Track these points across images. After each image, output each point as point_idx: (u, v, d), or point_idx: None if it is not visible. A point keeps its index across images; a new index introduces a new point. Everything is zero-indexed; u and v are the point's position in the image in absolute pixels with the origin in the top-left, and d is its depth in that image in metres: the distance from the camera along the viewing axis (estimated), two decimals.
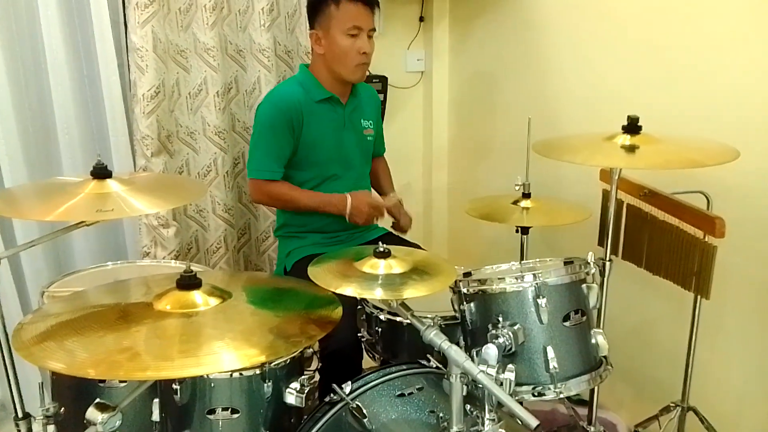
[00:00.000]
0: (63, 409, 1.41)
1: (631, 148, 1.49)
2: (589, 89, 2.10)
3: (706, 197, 1.63)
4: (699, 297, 1.67)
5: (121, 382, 1.34)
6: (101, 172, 1.29)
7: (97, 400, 1.03)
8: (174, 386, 1.24)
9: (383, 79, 2.66)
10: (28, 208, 1.38)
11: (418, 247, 1.90)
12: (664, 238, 1.67)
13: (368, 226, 2.06)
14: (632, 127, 1.51)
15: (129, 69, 2.10)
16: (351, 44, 1.84)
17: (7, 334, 1.28)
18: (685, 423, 1.77)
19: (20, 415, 1.33)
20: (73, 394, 1.40)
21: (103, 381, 1.34)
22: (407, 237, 2.07)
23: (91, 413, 1.00)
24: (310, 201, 1.89)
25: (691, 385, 1.76)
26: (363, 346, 1.74)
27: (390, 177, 2.21)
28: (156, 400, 1.28)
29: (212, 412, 1.24)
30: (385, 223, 2.11)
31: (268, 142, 1.86)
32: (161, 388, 1.27)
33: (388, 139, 2.31)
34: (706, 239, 1.56)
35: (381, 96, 2.68)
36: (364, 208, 1.86)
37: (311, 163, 1.91)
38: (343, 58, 1.85)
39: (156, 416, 1.28)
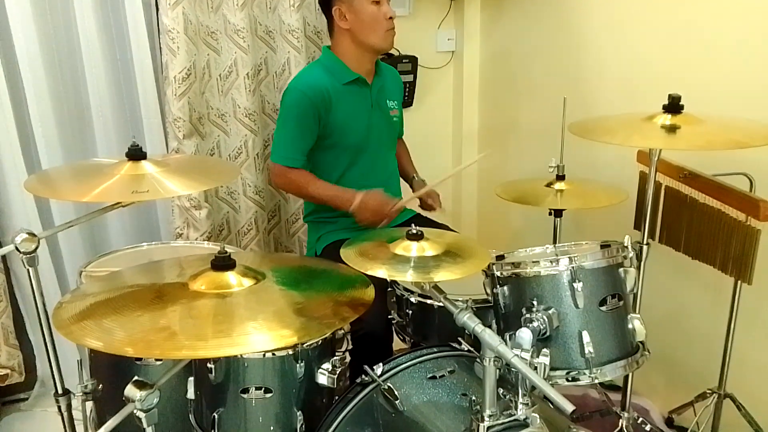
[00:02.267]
0: (101, 385, 1.44)
1: (671, 129, 1.44)
2: (627, 67, 2.04)
3: (750, 179, 1.58)
4: (739, 282, 1.62)
5: (157, 360, 1.36)
6: (136, 154, 1.31)
7: (136, 377, 1.04)
8: (209, 365, 1.25)
9: (413, 60, 2.63)
10: (66, 189, 1.41)
11: (448, 228, 1.89)
12: (705, 222, 1.62)
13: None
14: (674, 106, 1.47)
15: (161, 51, 2.11)
16: (377, 10, 1.85)
17: (47, 313, 1.31)
18: (722, 410, 1.74)
19: (60, 391, 1.37)
20: (111, 372, 1.43)
21: (140, 359, 1.37)
22: (437, 218, 2.05)
23: (130, 390, 1.02)
24: (322, 193, 1.88)
25: (729, 371, 1.72)
26: (393, 329, 1.74)
27: (410, 158, 2.20)
28: (191, 379, 1.30)
29: (246, 391, 1.26)
30: (415, 206, 2.09)
31: (293, 130, 1.86)
32: (196, 367, 1.29)
33: (418, 119, 2.29)
34: (749, 223, 1.51)
35: (411, 77, 2.65)
36: (370, 207, 1.80)
37: (342, 145, 1.90)
38: (374, 26, 1.85)
39: (191, 394, 1.31)
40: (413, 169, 2.16)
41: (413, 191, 2.06)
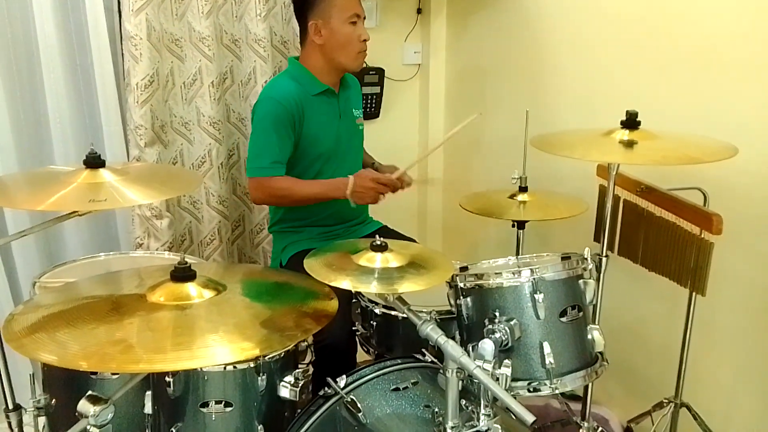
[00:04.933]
0: (54, 400, 1.40)
1: (629, 144, 1.48)
2: (587, 84, 2.09)
3: (703, 194, 1.63)
4: (694, 294, 1.67)
5: (113, 374, 1.33)
6: (95, 162, 1.27)
7: (89, 392, 1.01)
8: (167, 379, 1.23)
9: (380, 72, 2.65)
10: (20, 197, 1.36)
11: (412, 241, 1.90)
12: (661, 235, 1.67)
13: (364, 220, 2.06)
14: (631, 122, 1.51)
15: (123, 57, 2.07)
16: (352, 32, 1.85)
17: None
18: (678, 419, 1.78)
19: (11, 406, 1.32)
20: (65, 386, 1.38)
21: (95, 373, 1.33)
22: (402, 231, 2.06)
23: (83, 406, 0.99)
24: (312, 190, 1.85)
25: (685, 381, 1.76)
26: (357, 340, 1.73)
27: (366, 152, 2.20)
28: (148, 393, 1.27)
29: (205, 405, 1.23)
30: (382, 216, 2.10)
31: (270, 140, 1.82)
32: (154, 381, 1.26)
33: (385, 130, 2.29)
34: (703, 236, 1.56)
35: (377, 88, 2.66)
36: (368, 184, 1.79)
37: (312, 155, 1.89)
38: (347, 47, 1.85)
39: (148, 409, 1.27)
40: (370, 157, 2.17)
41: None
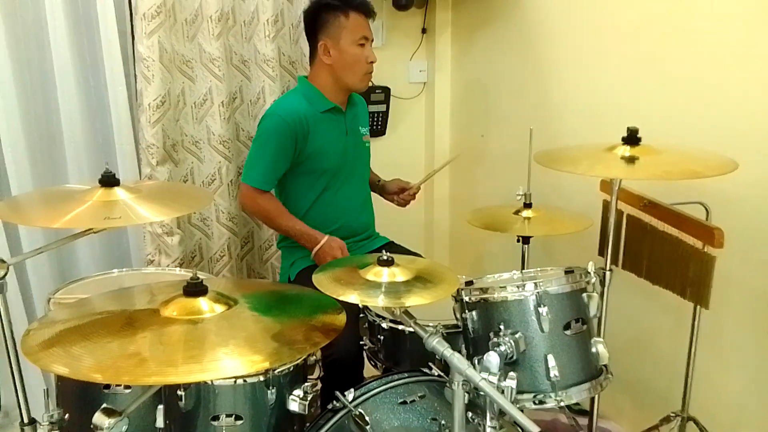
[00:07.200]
0: (67, 415, 1.42)
1: (630, 159, 1.50)
2: (589, 100, 2.12)
3: (705, 208, 1.64)
4: (698, 307, 1.68)
5: (125, 388, 1.35)
6: (109, 180, 1.31)
7: (104, 405, 1.04)
8: (178, 392, 1.25)
9: (386, 90, 2.69)
10: (36, 215, 1.40)
11: (418, 256, 1.92)
12: (664, 249, 1.68)
13: (371, 235, 2.10)
14: (632, 138, 1.53)
15: (135, 78, 2.12)
16: (360, 53, 1.90)
17: (14, 340, 1.29)
18: None
19: (26, 420, 1.34)
20: (78, 401, 1.41)
21: (108, 387, 1.36)
22: (409, 246, 2.09)
23: (98, 418, 1.01)
24: (289, 226, 1.92)
25: (691, 394, 1.76)
26: (365, 354, 1.75)
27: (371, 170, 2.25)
28: (160, 407, 1.29)
29: (216, 418, 1.25)
30: (390, 231, 2.13)
31: (269, 155, 1.89)
32: (166, 394, 1.28)
33: (391, 148, 2.32)
34: (705, 249, 1.58)
35: (384, 106, 2.71)
36: (334, 252, 1.83)
37: (318, 170, 1.94)
38: (354, 67, 1.91)
39: (160, 422, 1.29)
40: (375, 175, 2.22)
41: (386, 191, 2.19)
